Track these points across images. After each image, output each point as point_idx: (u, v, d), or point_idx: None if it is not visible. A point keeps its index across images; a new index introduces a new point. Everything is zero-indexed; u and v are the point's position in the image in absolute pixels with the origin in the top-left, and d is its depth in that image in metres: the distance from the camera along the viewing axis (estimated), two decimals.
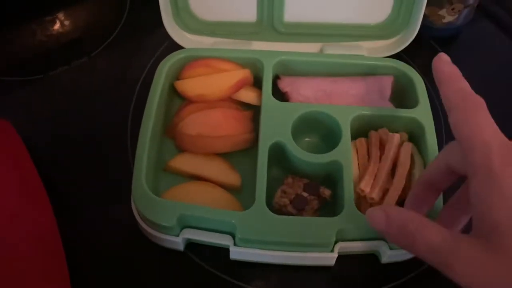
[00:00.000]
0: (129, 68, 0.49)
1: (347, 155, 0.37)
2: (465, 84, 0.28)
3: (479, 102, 0.27)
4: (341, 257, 0.35)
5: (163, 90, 0.41)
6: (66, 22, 0.53)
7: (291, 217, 0.35)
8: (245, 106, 0.43)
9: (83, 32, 0.52)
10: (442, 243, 0.24)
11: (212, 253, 0.37)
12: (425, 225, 0.25)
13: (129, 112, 0.45)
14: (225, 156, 0.40)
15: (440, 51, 0.52)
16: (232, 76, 0.42)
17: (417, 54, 0.50)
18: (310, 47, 0.47)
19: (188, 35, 0.47)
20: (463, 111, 0.26)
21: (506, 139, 0.25)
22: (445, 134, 0.43)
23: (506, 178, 0.23)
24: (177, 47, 0.46)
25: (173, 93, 0.43)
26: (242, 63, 0.43)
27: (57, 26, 0.52)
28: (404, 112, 0.40)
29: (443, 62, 0.29)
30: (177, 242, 0.36)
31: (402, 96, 0.43)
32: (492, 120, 0.26)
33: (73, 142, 0.43)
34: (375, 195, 0.35)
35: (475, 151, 0.25)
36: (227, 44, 0.47)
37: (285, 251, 0.35)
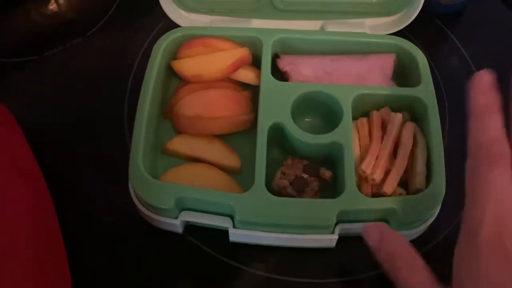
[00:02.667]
0: (125, 48, 0.47)
1: (348, 135, 0.36)
2: (497, 128, 0.23)
3: (499, 156, 0.23)
4: (342, 239, 0.35)
5: (160, 70, 0.40)
6: (61, 1, 0.51)
7: (290, 198, 0.34)
8: (244, 86, 0.42)
9: (77, 12, 0.50)
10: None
11: (211, 236, 0.36)
12: (411, 267, 0.26)
13: (126, 93, 0.44)
14: (224, 137, 0.40)
15: (444, 28, 0.52)
16: (230, 55, 0.40)
17: (421, 31, 0.49)
18: (310, 25, 0.46)
19: (185, 14, 0.46)
20: (478, 163, 0.23)
21: (507, 212, 0.22)
22: (448, 113, 0.42)
23: (485, 260, 0.22)
24: (173, 26, 0.44)
25: (171, 73, 0.42)
26: (240, 42, 0.42)
27: (52, 5, 0.51)
28: (407, 91, 0.39)
29: (480, 90, 0.24)
30: (176, 224, 0.35)
31: (404, 74, 0.42)
32: (505, 180, 0.23)
33: (69, 124, 0.42)
34: (377, 176, 0.35)
35: (472, 211, 0.24)
36: (225, 22, 0.46)
37: (285, 233, 0.34)
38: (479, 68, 0.47)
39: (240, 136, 0.40)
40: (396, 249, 0.27)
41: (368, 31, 0.44)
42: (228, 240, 0.35)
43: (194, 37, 0.42)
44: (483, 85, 0.24)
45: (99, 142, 0.41)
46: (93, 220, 0.38)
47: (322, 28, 0.46)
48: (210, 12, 0.46)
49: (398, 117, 0.37)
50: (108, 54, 0.47)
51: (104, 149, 0.41)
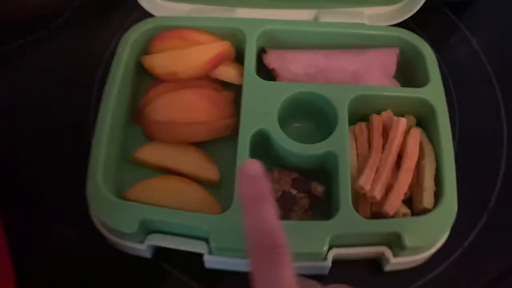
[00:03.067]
0: (93, 41, 0.42)
1: (343, 144, 0.31)
2: (269, 218, 0.22)
3: (277, 253, 0.21)
4: (337, 263, 0.30)
5: (128, 68, 0.35)
6: None
7: None
8: (226, 85, 0.37)
9: (42, 1, 0.45)
10: None
11: (185, 260, 0.32)
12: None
13: (93, 94, 0.39)
14: (202, 145, 0.35)
15: (453, 18, 0.46)
16: (209, 49, 0.35)
17: (428, 22, 0.44)
18: (303, 14, 0.41)
19: (160, 2, 0.40)
20: (261, 261, 0.21)
21: None
22: (458, 118, 0.37)
23: None
24: (148, 16, 0.39)
25: (142, 71, 0.37)
26: (221, 34, 0.37)
27: None
28: (412, 92, 0.34)
29: (246, 180, 0.22)
30: (142, 249, 0.30)
31: (409, 72, 0.37)
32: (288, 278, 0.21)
33: (27, 130, 0.37)
34: (377, 193, 0.30)
35: None
36: (206, 11, 0.40)
37: None
38: (491, 62, 0.42)
39: (220, 144, 0.35)
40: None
41: (367, 22, 0.39)
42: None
43: (168, 29, 0.36)
44: (250, 174, 0.22)
45: (62, 151, 0.36)
46: (52, 240, 0.33)
47: (315, 18, 0.40)
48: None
49: (401, 122, 0.32)
50: (75, 49, 0.42)
51: (67, 160, 0.36)
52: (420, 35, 0.38)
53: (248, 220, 0.22)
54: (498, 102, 0.40)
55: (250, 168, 0.22)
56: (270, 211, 0.22)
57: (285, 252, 0.21)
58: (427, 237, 0.29)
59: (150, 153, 0.34)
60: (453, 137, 0.37)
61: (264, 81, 0.34)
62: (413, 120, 0.34)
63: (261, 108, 0.33)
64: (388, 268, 0.31)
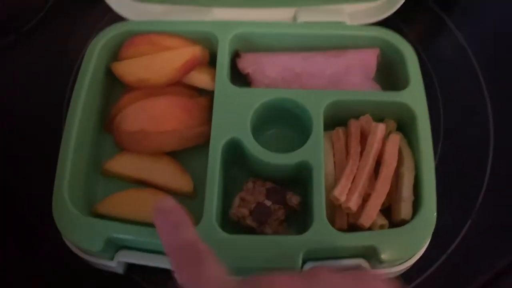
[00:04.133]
0: (65, 46, 0.41)
1: (317, 154, 0.30)
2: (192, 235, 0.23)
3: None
4: None
5: (96, 74, 0.34)
6: None
7: (244, 236, 0.28)
8: (202, 91, 0.35)
9: (12, 5, 0.43)
10: None
11: (158, 275, 0.31)
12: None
13: (64, 102, 0.38)
14: (175, 155, 0.33)
15: (440, 14, 0.44)
16: (180, 55, 0.34)
17: (413, 18, 0.42)
18: (281, 13, 0.39)
19: (133, 3, 0.39)
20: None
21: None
22: (443, 122, 0.35)
23: None
24: (121, 19, 0.38)
25: (113, 78, 0.36)
26: (193, 38, 0.35)
27: None
28: (391, 96, 0.32)
29: (159, 215, 0.23)
30: (113, 266, 0.29)
31: (391, 73, 0.35)
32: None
33: None
34: (352, 204, 0.29)
35: None
36: (181, 12, 0.39)
37: (242, 275, 0.28)
38: (479, 58, 0.40)
39: (194, 153, 0.33)
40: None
41: (348, 20, 0.37)
42: None
43: (138, 34, 0.35)
44: (163, 209, 0.24)
45: (33, 161, 0.35)
46: (24, 253, 0.32)
47: (294, 17, 0.39)
48: (163, 0, 0.39)
49: (380, 128, 0.31)
50: (46, 54, 0.41)
51: (38, 173, 0.35)
52: (405, 32, 0.36)
53: (166, 245, 0.23)
54: (485, 101, 0.38)
55: (163, 204, 0.24)
56: (188, 230, 0.23)
57: (208, 253, 0.22)
58: (404, 250, 0.28)
59: (121, 165, 0.33)
60: (438, 138, 0.36)
61: (236, 88, 0.32)
62: (393, 124, 0.33)
63: (233, 116, 0.31)
64: None
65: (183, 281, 0.21)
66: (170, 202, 0.24)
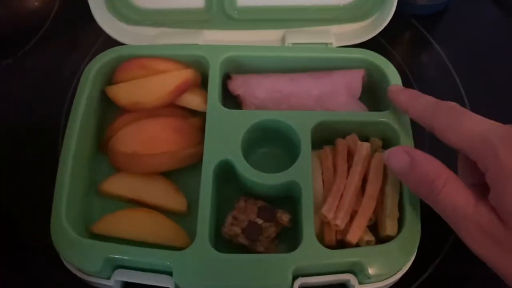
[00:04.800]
0: (60, 69, 0.42)
1: (306, 173, 0.31)
2: (428, 98, 0.30)
3: (451, 105, 0.28)
4: None
5: (91, 98, 0.35)
6: None
7: (238, 255, 0.29)
8: (194, 112, 0.37)
9: (7, 28, 0.44)
10: (465, 207, 0.25)
11: None
12: (453, 183, 0.26)
13: (60, 124, 0.39)
14: (169, 174, 0.34)
15: (424, 32, 0.46)
16: (172, 78, 0.35)
17: (398, 38, 0.44)
18: (270, 34, 0.41)
19: (126, 27, 0.40)
20: (442, 122, 0.28)
21: (496, 124, 0.26)
22: (427, 138, 0.37)
23: None
24: (114, 42, 0.39)
25: (110, 101, 0.37)
26: (185, 61, 0.36)
27: None
28: (376, 116, 0.34)
29: (396, 93, 0.31)
30: (110, 286, 0.30)
31: (376, 93, 0.37)
32: (472, 113, 0.27)
33: None
34: (339, 221, 0.30)
35: (475, 150, 0.26)
36: (173, 35, 0.40)
37: None
38: (462, 77, 0.42)
39: (188, 172, 0.35)
40: (431, 165, 0.27)
41: (334, 41, 0.39)
42: None
43: (131, 58, 0.36)
44: (396, 90, 0.33)
45: (29, 183, 0.36)
46: (20, 271, 0.33)
47: (283, 38, 0.40)
48: (155, 24, 0.41)
49: (365, 146, 0.32)
50: (41, 78, 0.42)
51: (35, 192, 0.36)
52: (390, 51, 0.38)
53: (415, 113, 0.30)
54: None
55: (394, 87, 0.33)
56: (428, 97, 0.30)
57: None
58: (390, 264, 0.29)
59: (116, 185, 0.34)
60: None
61: (227, 110, 0.34)
62: (378, 143, 0.34)
63: (225, 137, 0.32)
64: None
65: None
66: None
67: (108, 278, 0.30)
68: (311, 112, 0.33)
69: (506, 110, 0.39)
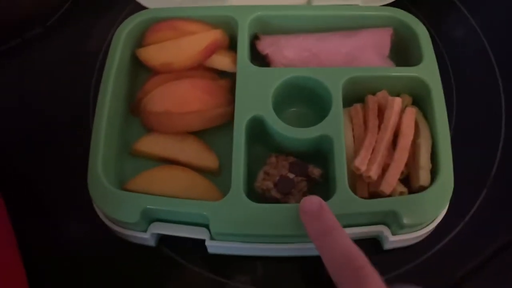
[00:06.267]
0: (89, 37, 0.43)
1: (338, 127, 0.31)
2: (343, 246, 0.25)
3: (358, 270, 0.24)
4: None
5: (123, 61, 0.36)
6: None
7: (272, 205, 0.30)
8: (222, 74, 0.37)
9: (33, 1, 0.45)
10: None
11: (189, 246, 0.32)
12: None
13: (91, 89, 0.39)
14: (200, 134, 0.35)
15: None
16: (201, 39, 0.35)
17: (423, 2, 0.43)
18: None
19: None
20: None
21: None
22: (455, 95, 0.36)
23: None
24: (141, 8, 0.39)
25: (139, 64, 0.37)
26: (213, 23, 0.37)
27: None
28: (406, 71, 0.34)
29: (308, 218, 0.27)
30: (146, 238, 0.31)
31: (403, 51, 0.37)
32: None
33: (29, 126, 0.38)
34: (373, 173, 0.30)
35: None
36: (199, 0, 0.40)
37: (269, 243, 0.30)
38: (490, 40, 0.41)
39: (218, 132, 0.35)
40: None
41: (360, 2, 0.39)
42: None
43: (160, 20, 0.37)
44: (311, 212, 0.27)
45: (61, 146, 0.37)
46: (57, 232, 0.34)
47: (309, 1, 0.40)
48: None
49: (396, 101, 0.32)
50: (71, 45, 0.42)
51: (68, 154, 0.37)
52: (414, 14, 0.37)
53: (325, 253, 0.24)
54: (496, 79, 0.39)
55: (309, 204, 0.26)
56: (343, 236, 0.25)
57: (371, 271, 0.23)
58: (424, 214, 0.29)
59: (148, 145, 0.34)
60: (451, 114, 0.37)
61: (257, 68, 0.34)
62: (408, 99, 0.34)
63: (255, 95, 0.33)
64: (387, 246, 0.31)
65: None
66: (315, 201, 0.25)
67: (145, 231, 0.31)
68: (342, 68, 0.33)
69: None
